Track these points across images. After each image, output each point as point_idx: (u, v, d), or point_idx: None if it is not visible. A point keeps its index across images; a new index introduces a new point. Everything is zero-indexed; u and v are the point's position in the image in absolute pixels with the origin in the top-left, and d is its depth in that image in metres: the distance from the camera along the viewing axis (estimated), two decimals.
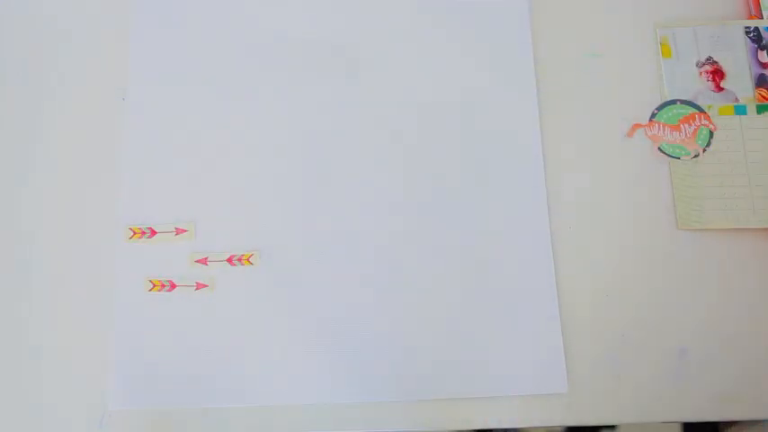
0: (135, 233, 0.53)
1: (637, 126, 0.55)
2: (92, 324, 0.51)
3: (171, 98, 0.56)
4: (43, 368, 0.51)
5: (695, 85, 0.55)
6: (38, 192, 0.54)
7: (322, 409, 0.49)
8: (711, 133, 0.54)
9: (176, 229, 0.53)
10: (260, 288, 0.51)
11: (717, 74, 0.55)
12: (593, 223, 0.53)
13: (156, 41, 0.57)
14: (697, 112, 0.54)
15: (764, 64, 0.55)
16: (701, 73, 0.55)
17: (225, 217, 0.53)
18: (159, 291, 0.51)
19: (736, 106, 0.54)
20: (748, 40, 0.56)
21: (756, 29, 0.56)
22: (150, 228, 0.53)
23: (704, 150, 0.54)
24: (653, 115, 0.55)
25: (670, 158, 0.54)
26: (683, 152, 0.54)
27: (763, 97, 0.54)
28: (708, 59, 0.55)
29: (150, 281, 0.52)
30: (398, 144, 0.54)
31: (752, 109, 0.54)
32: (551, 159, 0.54)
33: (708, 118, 0.54)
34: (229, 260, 0.52)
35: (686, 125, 0.54)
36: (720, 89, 0.55)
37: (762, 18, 0.56)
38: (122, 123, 0.55)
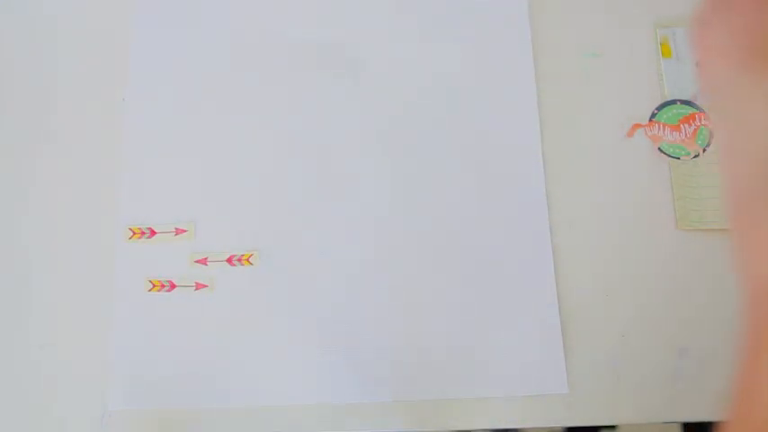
0: (135, 233, 0.53)
1: (637, 126, 0.55)
2: (91, 324, 0.51)
3: (171, 98, 0.56)
4: (43, 368, 0.51)
5: (695, 85, 0.55)
6: (37, 192, 0.54)
7: (322, 409, 0.49)
8: (711, 133, 0.54)
9: (176, 229, 0.53)
10: (260, 288, 0.51)
11: None
12: (593, 223, 0.53)
13: (157, 41, 0.57)
14: (697, 112, 0.54)
15: None
16: None
17: (225, 217, 0.53)
18: (159, 291, 0.51)
19: None
20: None
21: None
22: (150, 228, 0.53)
23: (704, 150, 0.54)
24: (653, 115, 0.55)
25: (670, 158, 0.54)
26: (683, 152, 0.54)
27: None
28: None
29: (150, 281, 0.52)
30: (398, 144, 0.54)
31: None
32: (551, 159, 0.54)
33: (708, 118, 0.54)
34: (229, 260, 0.52)
35: (686, 125, 0.54)
36: None
37: None
38: (122, 123, 0.55)
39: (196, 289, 0.51)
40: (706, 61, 0.28)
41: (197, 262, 0.52)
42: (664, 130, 0.54)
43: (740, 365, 0.26)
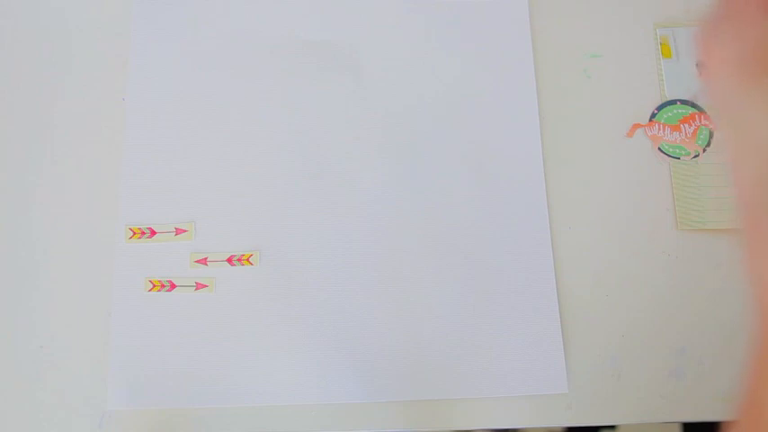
0: (135, 233, 0.53)
1: (637, 126, 0.55)
2: (91, 324, 0.51)
3: (171, 98, 0.56)
4: (42, 368, 0.50)
5: (695, 85, 0.55)
6: (37, 192, 0.54)
7: (322, 410, 0.49)
8: (711, 133, 0.54)
9: (176, 229, 0.53)
10: (260, 288, 0.51)
11: None
12: (593, 223, 0.53)
13: (157, 41, 0.57)
14: (697, 112, 0.55)
15: None
16: None
17: (225, 217, 0.53)
18: (159, 291, 0.51)
19: None
20: None
21: None
22: (150, 228, 0.53)
23: (704, 150, 0.54)
24: (653, 115, 0.55)
25: (670, 158, 0.54)
26: (684, 152, 0.54)
27: None
28: None
29: (150, 281, 0.52)
30: (398, 145, 0.54)
31: None
32: (551, 159, 0.54)
33: (708, 118, 0.54)
34: (229, 260, 0.52)
35: (686, 125, 0.54)
36: None
37: None
38: (122, 123, 0.55)
39: (196, 289, 0.51)
40: (714, 71, 0.28)
41: (197, 262, 0.52)
42: (664, 130, 0.54)
43: (750, 369, 0.26)
